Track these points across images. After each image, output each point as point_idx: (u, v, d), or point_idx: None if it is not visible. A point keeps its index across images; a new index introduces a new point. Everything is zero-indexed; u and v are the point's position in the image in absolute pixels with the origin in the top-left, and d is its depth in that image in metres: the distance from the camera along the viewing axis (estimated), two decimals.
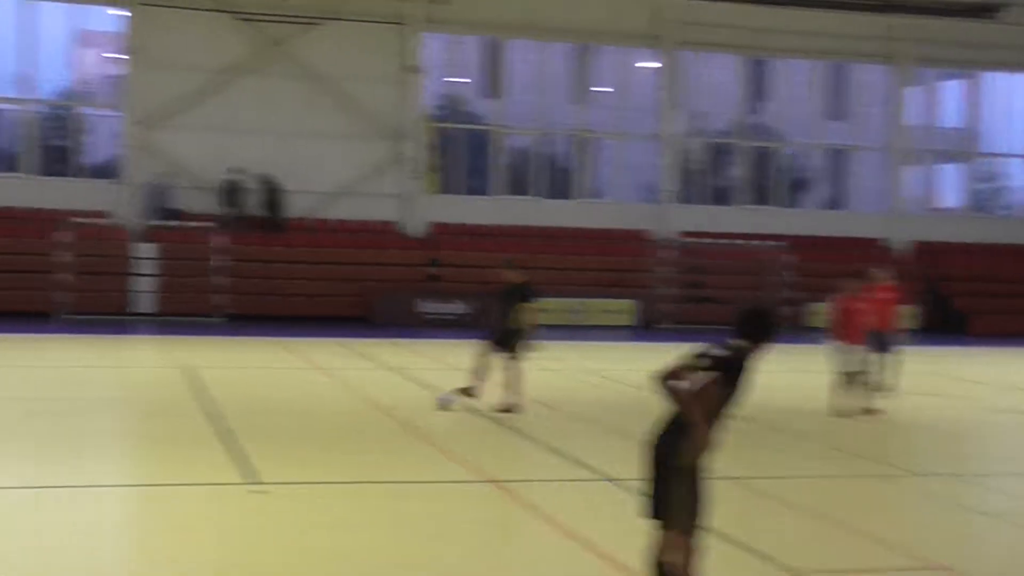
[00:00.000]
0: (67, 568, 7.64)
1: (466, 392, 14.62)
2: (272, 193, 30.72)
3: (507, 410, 14.28)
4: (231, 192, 30.45)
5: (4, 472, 10.65)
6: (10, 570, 7.52)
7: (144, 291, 28.85)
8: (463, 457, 11.67)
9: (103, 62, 37.52)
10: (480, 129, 36.02)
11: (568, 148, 37.38)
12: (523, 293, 14.47)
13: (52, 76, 33.94)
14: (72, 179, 31.33)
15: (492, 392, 14.55)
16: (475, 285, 29.70)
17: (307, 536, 8.49)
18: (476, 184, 34.84)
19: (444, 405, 14.52)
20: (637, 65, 36.73)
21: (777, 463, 12.36)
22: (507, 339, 14.43)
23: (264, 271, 29.78)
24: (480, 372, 14.60)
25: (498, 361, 14.53)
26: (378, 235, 32.35)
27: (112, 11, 31.44)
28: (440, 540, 8.61)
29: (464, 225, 33.25)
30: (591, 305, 30.82)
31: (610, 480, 10.65)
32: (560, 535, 8.69)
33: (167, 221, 29.60)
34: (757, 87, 40.21)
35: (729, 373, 6.31)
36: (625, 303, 31.67)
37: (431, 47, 34.12)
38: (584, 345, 25.53)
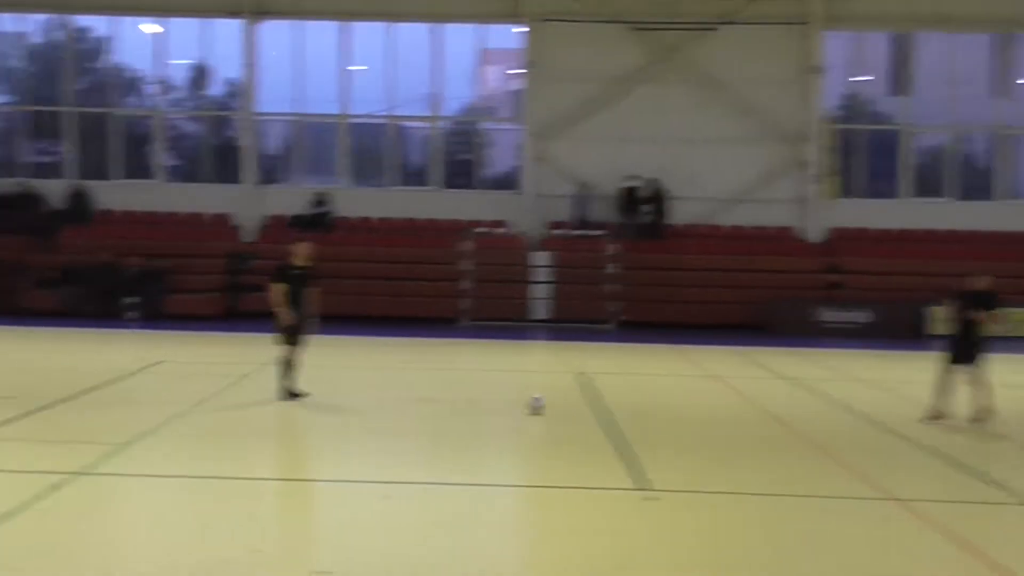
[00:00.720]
0: (457, 564, 7.69)
1: (936, 416, 13.85)
2: (661, 200, 30.51)
3: (979, 419, 13.77)
4: (628, 200, 30.51)
5: (401, 469, 10.87)
6: (402, 564, 7.62)
7: (540, 298, 29.45)
8: (864, 472, 10.81)
9: (504, 78, 38.93)
10: (886, 129, 34.02)
11: (986, 146, 34.61)
12: (988, 301, 13.90)
13: (457, 94, 35.49)
14: (475, 191, 32.60)
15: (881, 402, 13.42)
16: (880, 292, 28.11)
17: (696, 544, 8.37)
18: (880, 186, 32.94)
19: (536, 410, 13.82)
20: None
21: None
22: (971, 349, 13.85)
23: (656, 278, 29.54)
24: (944, 389, 13.95)
25: (961, 375, 13.96)
26: (774, 241, 31.32)
27: (513, 28, 32.42)
28: (830, 557, 8.14)
29: (866, 230, 31.53)
30: (1012, 314, 28.13)
31: None
32: (969, 557, 7.92)
33: (585, 231, 29.96)
34: None
35: None
36: None
37: (832, 46, 32.68)
38: (1004, 357, 23.28)
